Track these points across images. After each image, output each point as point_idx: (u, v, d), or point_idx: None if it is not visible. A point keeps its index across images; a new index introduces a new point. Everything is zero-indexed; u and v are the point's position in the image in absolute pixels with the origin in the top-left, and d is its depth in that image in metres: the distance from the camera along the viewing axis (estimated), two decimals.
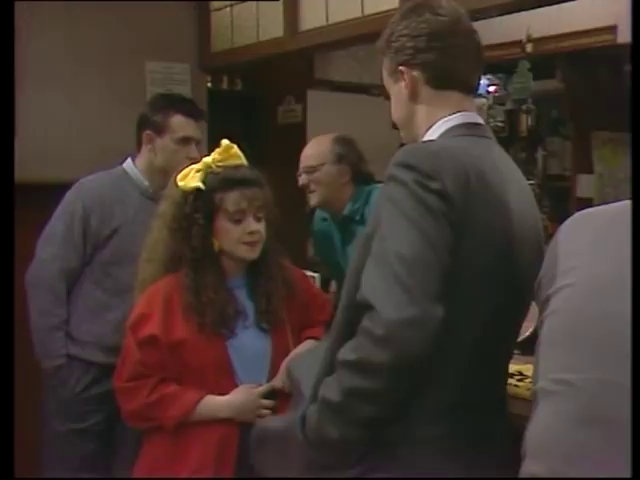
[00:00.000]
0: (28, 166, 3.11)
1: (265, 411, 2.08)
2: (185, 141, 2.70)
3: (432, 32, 1.65)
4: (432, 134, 1.66)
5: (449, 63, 1.66)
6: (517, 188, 1.63)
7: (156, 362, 2.03)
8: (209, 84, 4.22)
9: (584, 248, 1.29)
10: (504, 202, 1.55)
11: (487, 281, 1.52)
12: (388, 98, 1.76)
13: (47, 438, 2.76)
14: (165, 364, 2.04)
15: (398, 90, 1.70)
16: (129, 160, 2.78)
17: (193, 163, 2.16)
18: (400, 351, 1.37)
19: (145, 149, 2.74)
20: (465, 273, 1.49)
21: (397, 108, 1.73)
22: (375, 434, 1.50)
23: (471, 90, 1.72)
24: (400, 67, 1.67)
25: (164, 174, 2.60)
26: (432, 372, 1.49)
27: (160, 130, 2.70)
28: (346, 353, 1.45)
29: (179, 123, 2.70)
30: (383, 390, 1.42)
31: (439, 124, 1.65)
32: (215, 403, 2.06)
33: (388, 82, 1.73)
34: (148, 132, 2.71)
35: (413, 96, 1.67)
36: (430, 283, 1.39)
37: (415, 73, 1.66)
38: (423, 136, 1.68)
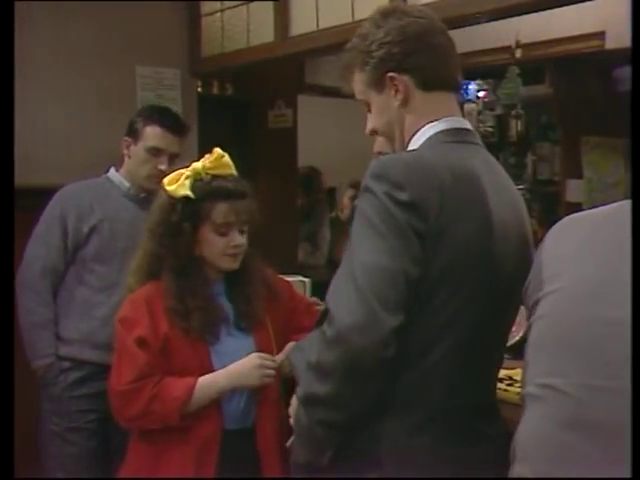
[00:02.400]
0: (17, 171, 3.10)
1: (269, 371, 2.07)
2: (156, 152, 2.74)
3: (416, 34, 1.63)
4: (416, 141, 1.64)
5: (436, 63, 1.65)
6: (500, 193, 1.61)
7: (154, 362, 2.03)
8: (199, 89, 4.22)
9: (571, 253, 1.30)
10: (483, 209, 1.54)
11: (468, 288, 1.51)
12: (369, 111, 1.72)
13: (43, 438, 2.77)
14: (159, 364, 2.04)
15: (383, 100, 1.66)
16: (112, 169, 2.86)
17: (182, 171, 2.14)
18: (347, 354, 1.41)
19: (125, 156, 2.81)
20: (444, 282, 1.49)
21: (382, 118, 1.69)
22: (358, 447, 1.52)
23: (457, 88, 1.71)
24: (389, 74, 1.63)
25: (136, 181, 2.76)
26: (416, 383, 1.51)
27: (135, 137, 2.77)
28: (309, 354, 1.49)
29: (153, 133, 2.74)
30: (334, 393, 1.45)
31: (424, 130, 1.64)
32: (214, 376, 2.05)
33: (368, 95, 1.69)
34: (126, 138, 2.79)
35: (405, 101, 1.64)
36: (388, 292, 1.41)
37: (406, 77, 1.63)
38: (407, 144, 1.66)
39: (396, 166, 1.51)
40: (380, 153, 1.73)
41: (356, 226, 1.50)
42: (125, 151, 2.79)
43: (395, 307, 1.41)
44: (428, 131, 1.63)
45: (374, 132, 1.72)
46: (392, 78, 1.64)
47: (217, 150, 2.12)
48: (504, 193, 1.64)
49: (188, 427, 2.04)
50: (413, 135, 1.65)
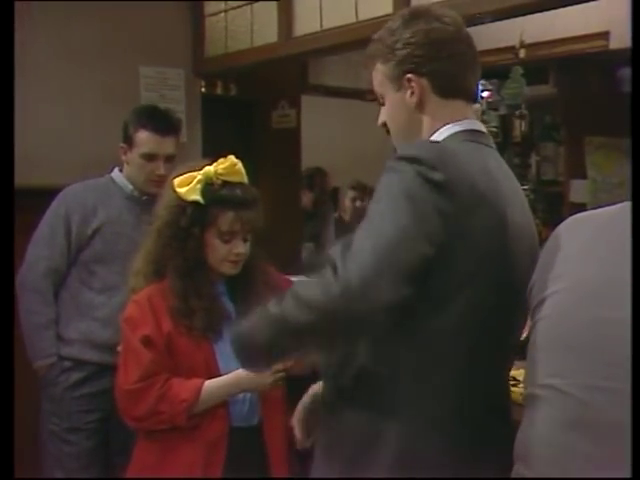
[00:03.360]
0: (19, 171, 3.11)
1: (278, 374, 2.06)
2: (150, 157, 2.73)
3: (441, 40, 1.65)
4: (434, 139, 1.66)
5: (456, 71, 1.67)
6: (513, 195, 1.63)
7: (159, 360, 2.03)
8: (203, 89, 4.22)
9: (574, 253, 1.30)
10: (500, 208, 1.56)
11: (482, 285, 1.52)
12: (382, 104, 1.74)
13: (44, 438, 2.79)
14: (165, 363, 2.04)
15: (399, 98, 1.68)
16: (116, 170, 2.85)
17: (191, 172, 2.14)
18: (345, 313, 1.41)
19: (124, 161, 2.81)
20: (459, 275, 1.50)
21: (397, 116, 1.71)
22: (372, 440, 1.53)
23: (474, 98, 1.74)
24: (408, 75, 1.65)
25: (137, 185, 2.77)
26: (429, 381, 1.52)
27: (129, 144, 2.76)
28: (301, 288, 1.51)
29: (143, 139, 2.73)
30: (319, 327, 1.47)
31: (442, 130, 1.66)
32: (222, 381, 2.05)
33: (385, 89, 1.71)
34: (122, 145, 2.78)
35: (420, 104, 1.67)
36: (400, 265, 1.42)
37: (423, 81, 1.65)
38: None
39: (428, 149, 1.55)
40: (386, 127, 1.75)
41: (380, 197, 1.50)
42: (123, 157, 2.79)
43: (403, 280, 1.42)
44: (446, 131, 1.65)
45: (384, 125, 1.74)
46: (410, 79, 1.66)
47: (231, 157, 2.12)
48: (515, 195, 1.66)
49: (196, 425, 2.04)
50: (430, 136, 1.67)
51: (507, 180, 1.65)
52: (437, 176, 1.46)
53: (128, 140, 2.75)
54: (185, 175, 2.10)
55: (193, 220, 2.06)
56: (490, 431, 1.58)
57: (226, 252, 2.09)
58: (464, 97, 1.70)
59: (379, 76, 1.72)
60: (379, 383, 1.55)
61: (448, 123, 1.66)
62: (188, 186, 2.07)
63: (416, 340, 1.52)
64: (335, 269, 1.44)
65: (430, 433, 1.52)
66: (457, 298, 1.51)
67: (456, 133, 1.65)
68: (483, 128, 1.72)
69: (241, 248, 2.10)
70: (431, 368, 1.53)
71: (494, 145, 1.72)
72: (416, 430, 1.52)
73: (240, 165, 2.13)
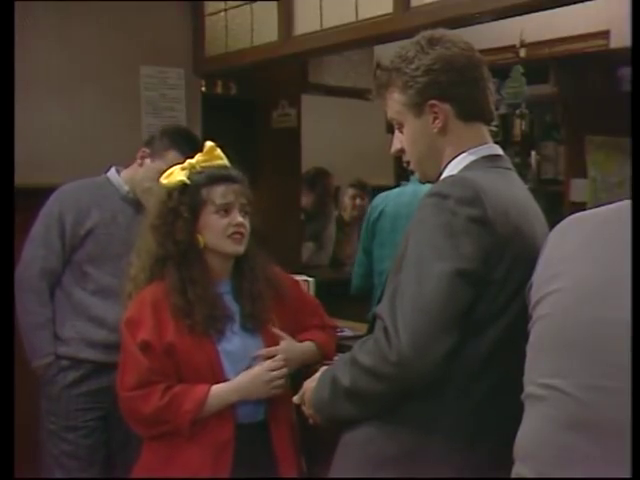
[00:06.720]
0: (21, 170, 3.11)
1: (278, 382, 2.08)
2: None
3: (462, 65, 1.66)
4: (453, 168, 1.67)
5: (477, 95, 1.70)
6: (537, 222, 1.67)
7: (157, 367, 2.02)
8: (203, 88, 4.23)
9: (572, 253, 1.30)
10: (532, 237, 1.58)
11: (515, 313, 1.53)
12: (399, 131, 1.74)
13: (43, 437, 2.78)
14: (165, 369, 2.03)
15: (421, 124, 1.69)
16: (113, 169, 2.83)
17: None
18: (407, 374, 1.50)
19: (136, 162, 2.78)
20: (495, 305, 1.54)
21: (418, 142, 1.72)
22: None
23: (492, 120, 1.76)
24: (431, 101, 1.66)
25: (137, 190, 2.74)
26: (460, 399, 1.55)
27: (154, 154, 2.73)
28: (361, 355, 1.56)
29: (171, 159, 2.65)
30: (387, 393, 1.55)
31: (460, 158, 1.68)
32: (224, 390, 2.05)
33: (403, 116, 1.71)
34: (145, 150, 2.76)
35: (444, 130, 1.68)
36: (444, 315, 1.47)
37: (446, 106, 1.67)
38: (443, 171, 1.69)
39: (462, 184, 1.56)
40: (401, 154, 1.77)
41: (420, 238, 1.54)
42: (139, 160, 2.76)
43: (451, 328, 1.48)
44: (467, 158, 1.68)
45: (401, 152, 1.75)
46: (433, 105, 1.67)
47: (209, 143, 2.16)
48: (538, 220, 1.68)
49: (202, 427, 2.04)
50: (449, 163, 1.69)
51: (532, 209, 1.68)
52: (472, 212, 1.49)
53: (156, 152, 2.72)
54: (169, 170, 2.16)
55: (180, 201, 2.08)
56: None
57: (225, 224, 2.09)
58: (484, 120, 1.72)
59: (396, 105, 1.72)
60: (421, 402, 1.57)
61: (470, 148, 1.68)
62: (172, 175, 2.13)
63: (451, 362, 1.52)
64: (386, 331, 1.49)
65: (469, 448, 1.54)
66: (492, 327, 1.54)
67: (478, 160, 1.67)
68: (499, 151, 1.74)
69: (240, 218, 2.11)
70: (463, 388, 1.55)
71: (512, 167, 1.75)
72: (457, 445, 1.54)
73: (219, 150, 2.17)
